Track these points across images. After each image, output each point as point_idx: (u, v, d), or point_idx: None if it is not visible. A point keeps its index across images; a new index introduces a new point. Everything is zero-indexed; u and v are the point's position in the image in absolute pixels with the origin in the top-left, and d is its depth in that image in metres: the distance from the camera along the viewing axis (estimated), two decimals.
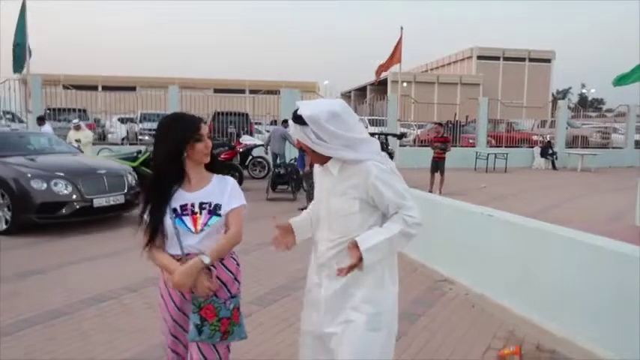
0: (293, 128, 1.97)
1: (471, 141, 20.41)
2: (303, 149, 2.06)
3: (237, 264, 2.22)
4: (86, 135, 12.14)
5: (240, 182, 7.94)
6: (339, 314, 2.02)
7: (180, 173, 2.10)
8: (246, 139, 14.02)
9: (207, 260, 2.01)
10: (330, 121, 1.89)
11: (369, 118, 21.69)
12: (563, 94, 61.39)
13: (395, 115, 18.46)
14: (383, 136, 14.02)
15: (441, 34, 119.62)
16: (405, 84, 36.08)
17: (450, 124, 20.47)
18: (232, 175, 2.36)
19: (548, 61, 50.61)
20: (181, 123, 2.10)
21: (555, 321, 3.62)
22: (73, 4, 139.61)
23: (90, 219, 7.31)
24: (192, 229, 2.07)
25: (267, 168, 14.07)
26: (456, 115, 23.25)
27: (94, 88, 23.86)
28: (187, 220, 2.07)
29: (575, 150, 20.53)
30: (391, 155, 13.77)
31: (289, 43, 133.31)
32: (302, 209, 2.52)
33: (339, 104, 2.00)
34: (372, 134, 3.03)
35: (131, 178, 7.88)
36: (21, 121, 16.22)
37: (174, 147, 2.04)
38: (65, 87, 18.59)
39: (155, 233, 2.06)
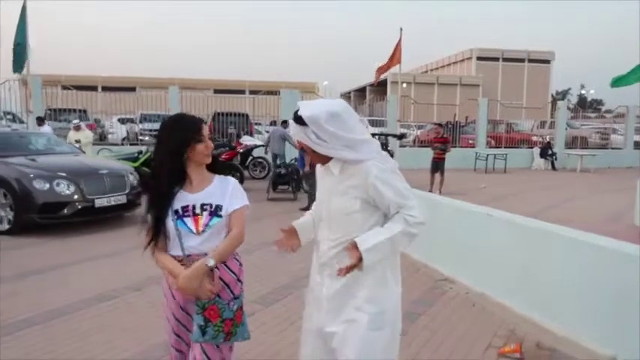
0: (294, 129, 1.98)
1: (470, 142, 20.45)
2: (304, 149, 2.07)
3: (240, 265, 2.23)
4: (86, 135, 12.16)
5: (240, 182, 7.95)
6: (341, 313, 2.02)
7: (182, 174, 2.11)
8: (246, 140, 14.06)
9: (211, 263, 2.03)
10: (329, 122, 1.90)
11: (369, 118, 21.73)
12: (563, 94, 61.39)
13: (395, 115, 18.47)
14: (383, 137, 14.04)
15: (441, 35, 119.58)
16: (404, 85, 36.14)
17: (450, 124, 20.50)
18: (233, 176, 2.37)
19: (547, 61, 50.72)
20: (182, 124, 2.11)
21: (556, 320, 3.64)
22: (73, 4, 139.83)
23: (92, 219, 7.33)
24: (194, 231, 2.08)
25: (267, 168, 14.10)
26: (455, 115, 23.31)
27: (94, 88, 23.84)
28: (189, 221, 2.08)
29: (574, 151, 20.56)
30: (391, 155, 13.77)
31: (289, 43, 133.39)
32: (303, 209, 2.54)
33: (340, 105, 2.00)
34: (372, 134, 3.04)
35: (132, 179, 7.90)
36: (21, 122, 16.24)
37: (175, 148, 2.05)
38: (65, 87, 18.62)
39: (157, 235, 2.08)
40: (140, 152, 11.07)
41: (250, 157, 14.21)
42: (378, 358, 1.98)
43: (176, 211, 2.08)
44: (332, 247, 2.04)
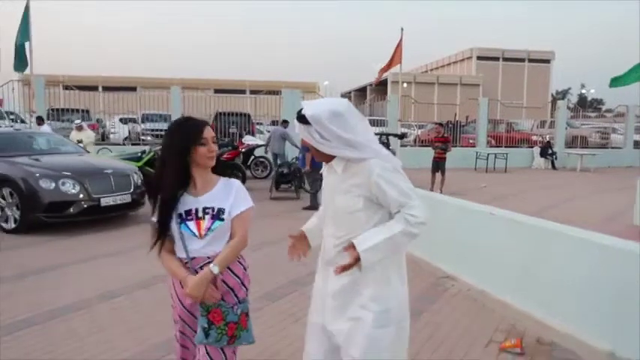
0: (298, 128, 2.02)
1: (471, 141, 20.49)
2: (307, 148, 2.10)
3: (245, 268, 2.23)
4: (88, 135, 12.23)
5: (243, 182, 8.03)
6: (346, 311, 2.04)
7: (186, 177, 2.12)
8: (248, 139, 14.14)
9: (216, 270, 2.05)
10: (332, 121, 1.92)
11: (370, 118, 21.77)
12: (563, 94, 61.45)
13: (395, 115, 18.53)
14: (384, 136, 14.09)
15: (441, 35, 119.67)
16: (405, 84, 36.17)
17: (450, 124, 20.54)
18: (236, 175, 2.42)
19: (547, 61, 50.77)
20: (184, 127, 2.11)
21: (557, 317, 3.68)
22: (73, 4, 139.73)
23: (97, 218, 7.41)
24: (197, 234, 2.09)
25: (269, 168, 14.16)
26: (456, 115, 23.35)
27: (95, 88, 23.90)
28: (192, 225, 2.09)
29: (574, 150, 20.61)
30: (394, 155, 13.80)
31: (289, 43, 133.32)
32: (306, 208, 2.60)
33: (343, 104, 2.01)
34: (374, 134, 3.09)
35: (137, 178, 7.97)
36: (22, 122, 16.31)
37: (177, 151, 2.07)
38: (66, 87, 18.67)
39: (160, 238, 2.12)
40: (143, 152, 11.14)
41: (252, 157, 14.28)
42: (384, 357, 1.99)
43: (180, 215, 2.10)
44: (337, 244, 2.06)
